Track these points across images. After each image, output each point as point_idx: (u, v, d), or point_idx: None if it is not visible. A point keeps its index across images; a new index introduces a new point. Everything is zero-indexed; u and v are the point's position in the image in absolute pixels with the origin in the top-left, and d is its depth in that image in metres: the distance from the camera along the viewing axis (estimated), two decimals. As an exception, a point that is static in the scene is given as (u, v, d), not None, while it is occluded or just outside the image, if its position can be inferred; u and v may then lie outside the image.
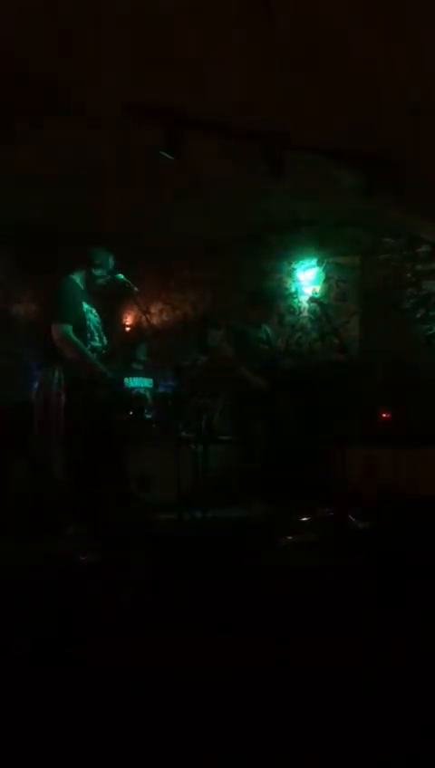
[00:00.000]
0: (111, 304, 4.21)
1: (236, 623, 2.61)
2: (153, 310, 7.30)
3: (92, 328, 3.85)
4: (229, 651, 2.36)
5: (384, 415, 5.36)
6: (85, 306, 3.84)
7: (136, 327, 7.05)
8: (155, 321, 7.12)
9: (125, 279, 4.02)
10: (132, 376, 5.94)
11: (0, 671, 2.22)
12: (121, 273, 4.01)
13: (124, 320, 7.12)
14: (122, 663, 2.27)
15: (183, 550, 3.18)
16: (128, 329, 7.08)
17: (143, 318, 5.59)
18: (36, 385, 3.88)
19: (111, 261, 3.96)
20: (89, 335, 3.80)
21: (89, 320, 3.83)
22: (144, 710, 1.95)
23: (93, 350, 3.80)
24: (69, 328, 3.68)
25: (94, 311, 3.93)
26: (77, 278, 3.89)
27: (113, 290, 4.11)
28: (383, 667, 2.26)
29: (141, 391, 5.87)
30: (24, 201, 5.33)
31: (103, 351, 3.89)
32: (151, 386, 6.13)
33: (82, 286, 3.89)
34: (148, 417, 5.59)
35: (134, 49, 3.44)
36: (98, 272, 3.90)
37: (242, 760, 1.70)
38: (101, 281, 3.93)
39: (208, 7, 3.12)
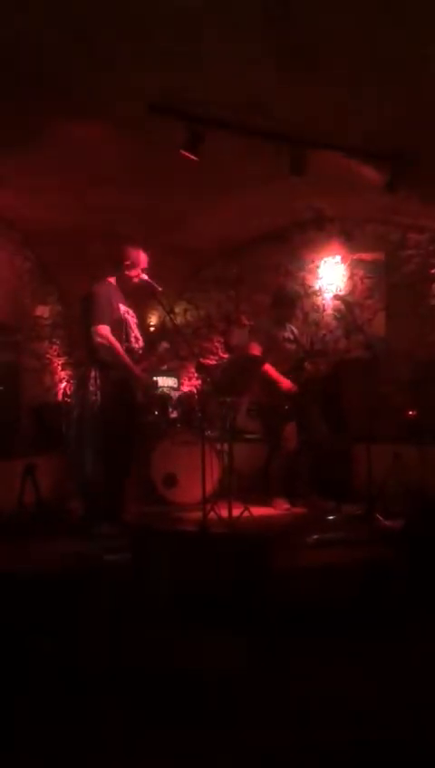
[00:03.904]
0: (135, 304, 4.21)
1: (261, 621, 2.61)
2: (177, 309, 7.30)
3: (129, 329, 3.90)
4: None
5: (411, 412, 5.29)
6: (122, 308, 3.89)
7: (160, 326, 7.06)
8: (179, 320, 7.12)
9: (148, 279, 4.03)
10: (158, 375, 5.98)
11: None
12: (145, 272, 4.03)
13: (148, 319, 7.13)
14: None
15: (206, 549, 3.18)
16: (152, 328, 7.10)
17: (167, 318, 5.59)
18: (68, 385, 3.93)
19: (142, 260, 3.99)
20: (125, 336, 3.84)
21: (126, 321, 3.88)
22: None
23: (130, 350, 3.84)
24: (107, 330, 3.73)
25: (131, 311, 3.98)
26: (113, 280, 3.95)
27: (137, 289, 4.12)
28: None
29: (166, 390, 5.90)
30: (52, 202, 5.36)
31: (140, 352, 3.94)
32: (176, 385, 6.16)
33: (117, 287, 3.93)
34: (172, 416, 5.61)
35: (153, 48, 3.45)
36: (132, 272, 3.93)
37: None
38: (135, 281, 3.96)
39: (228, 5, 3.11)
